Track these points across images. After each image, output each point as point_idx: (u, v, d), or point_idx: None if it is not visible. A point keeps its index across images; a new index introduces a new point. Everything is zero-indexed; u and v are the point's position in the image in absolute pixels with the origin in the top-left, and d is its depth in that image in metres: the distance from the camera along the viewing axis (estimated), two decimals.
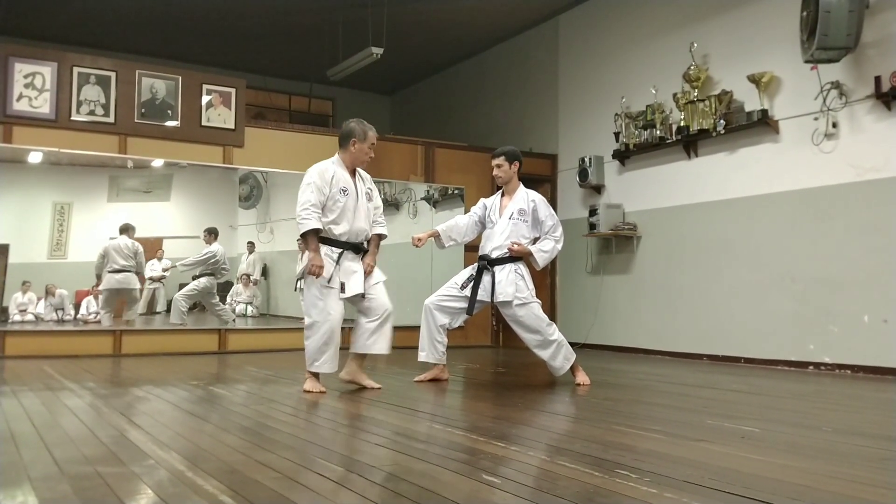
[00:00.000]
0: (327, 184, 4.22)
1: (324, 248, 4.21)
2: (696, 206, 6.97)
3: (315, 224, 4.15)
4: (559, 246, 4.75)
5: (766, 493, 2.07)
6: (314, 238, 4.18)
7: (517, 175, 4.85)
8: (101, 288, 7.35)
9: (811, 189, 5.98)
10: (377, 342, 4.34)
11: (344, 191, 4.26)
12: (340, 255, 4.23)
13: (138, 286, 7.54)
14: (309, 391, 4.21)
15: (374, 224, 4.44)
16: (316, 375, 4.28)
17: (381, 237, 4.48)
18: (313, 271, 4.12)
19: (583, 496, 2.03)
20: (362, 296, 4.28)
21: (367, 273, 4.32)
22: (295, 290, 8.53)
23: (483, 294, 4.64)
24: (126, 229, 7.51)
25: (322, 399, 4.02)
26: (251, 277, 8.47)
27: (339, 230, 4.24)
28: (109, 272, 7.37)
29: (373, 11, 8.29)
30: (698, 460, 2.52)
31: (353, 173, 4.37)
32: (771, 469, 2.42)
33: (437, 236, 4.83)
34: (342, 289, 4.19)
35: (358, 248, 4.32)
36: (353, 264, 4.27)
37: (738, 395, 4.47)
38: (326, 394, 4.17)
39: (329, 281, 4.17)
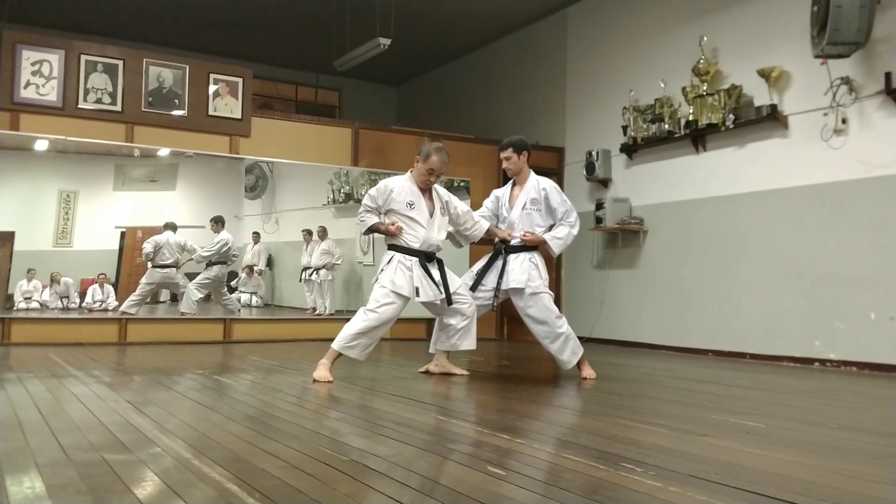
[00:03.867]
0: (383, 196, 4.45)
1: (398, 256, 4.41)
2: (704, 201, 6.95)
3: (373, 220, 4.43)
4: (574, 231, 4.69)
5: (771, 488, 2.07)
6: (378, 228, 4.44)
7: (527, 164, 4.81)
8: (145, 281, 7.44)
9: (820, 185, 5.95)
10: (465, 340, 4.61)
11: (410, 204, 4.44)
12: (417, 262, 4.41)
13: (181, 279, 7.66)
14: (317, 380, 4.22)
15: (475, 225, 4.68)
16: (332, 363, 4.30)
17: (488, 232, 4.75)
18: (395, 230, 4.39)
19: (587, 489, 2.03)
20: (448, 303, 4.48)
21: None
22: (300, 280, 8.59)
23: (494, 280, 4.64)
24: (174, 227, 7.64)
25: (328, 389, 4.03)
26: (255, 268, 8.48)
27: (410, 240, 4.42)
28: (154, 266, 7.48)
29: (380, 2, 8.27)
30: (703, 455, 2.52)
31: (425, 189, 4.53)
32: (776, 464, 2.42)
33: (451, 238, 4.83)
34: (416, 293, 4.37)
35: (430, 257, 4.49)
36: (432, 272, 4.44)
37: (743, 391, 4.46)
38: (333, 384, 4.17)
39: (400, 286, 4.34)
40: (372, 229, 4.49)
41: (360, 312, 4.36)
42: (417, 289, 4.37)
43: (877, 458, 2.62)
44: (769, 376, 5.21)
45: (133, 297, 7.28)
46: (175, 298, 7.80)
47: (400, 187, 4.47)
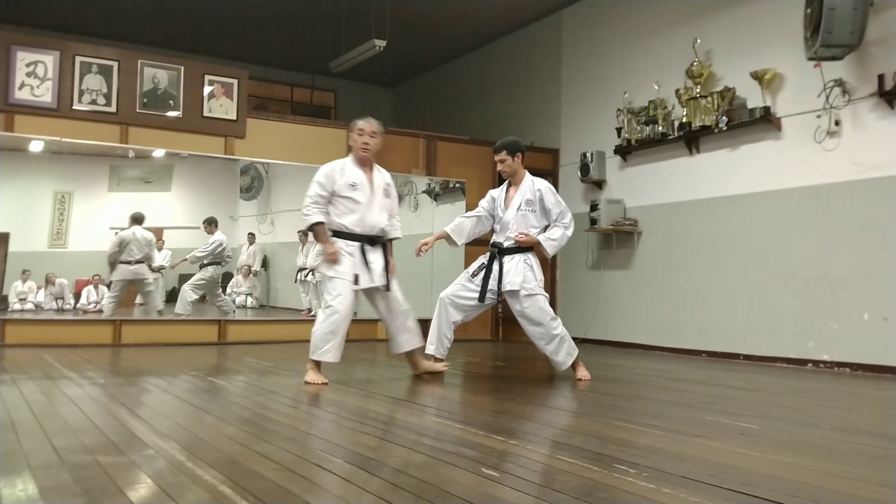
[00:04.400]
0: (331, 180, 4.34)
1: (339, 242, 4.33)
2: (698, 203, 6.96)
3: (317, 218, 4.30)
4: (569, 232, 4.68)
5: (764, 489, 2.08)
6: (322, 230, 4.32)
7: (522, 165, 4.80)
8: (114, 278, 7.35)
9: (813, 186, 5.97)
10: (408, 340, 4.53)
11: (353, 185, 4.34)
12: (358, 248, 4.32)
13: (151, 276, 7.57)
14: (310, 382, 4.21)
15: (390, 227, 4.49)
16: (318, 366, 4.29)
17: (392, 240, 4.56)
18: (329, 259, 4.28)
19: (581, 490, 2.04)
20: (386, 289, 4.37)
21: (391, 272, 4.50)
22: (295, 281, 8.59)
23: (492, 283, 4.63)
24: (140, 219, 7.54)
25: (322, 391, 4.03)
26: (251, 269, 8.47)
27: (351, 224, 4.33)
28: (123, 263, 7.38)
29: (376, 3, 8.27)
30: (696, 456, 2.53)
31: (367, 168, 4.44)
32: (769, 466, 2.42)
33: (447, 237, 4.81)
34: (355, 280, 4.29)
35: (373, 241, 4.40)
36: (370, 257, 4.35)
37: (736, 392, 4.47)
38: (328, 385, 4.17)
39: (343, 272, 4.27)
40: (314, 230, 4.36)
41: (320, 313, 4.33)
42: (357, 276, 4.29)
43: (870, 459, 2.63)
44: (763, 377, 5.23)
45: (109, 298, 7.26)
46: (135, 296, 7.66)
47: (342, 168, 4.39)
